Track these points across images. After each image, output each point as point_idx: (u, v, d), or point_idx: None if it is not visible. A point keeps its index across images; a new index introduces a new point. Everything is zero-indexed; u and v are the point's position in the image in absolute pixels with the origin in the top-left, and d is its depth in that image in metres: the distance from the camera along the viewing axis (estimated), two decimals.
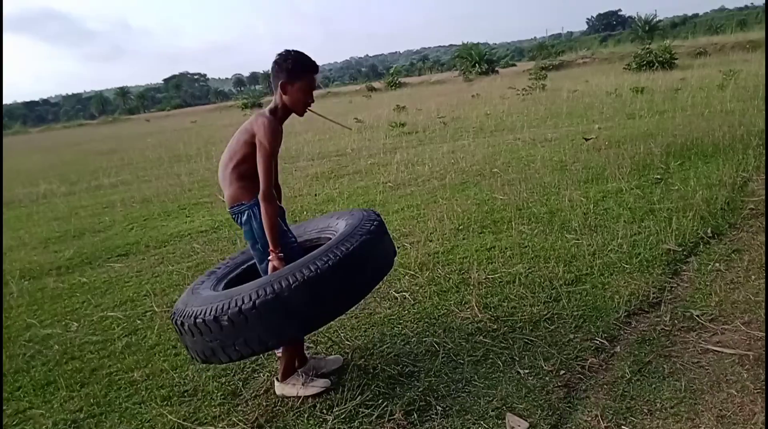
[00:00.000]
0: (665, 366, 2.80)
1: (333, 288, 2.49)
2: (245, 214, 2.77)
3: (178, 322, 2.58)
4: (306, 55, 2.75)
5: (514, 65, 58.73)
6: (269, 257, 2.68)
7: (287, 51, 2.74)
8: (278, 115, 2.76)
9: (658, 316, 3.31)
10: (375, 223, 2.77)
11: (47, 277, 5.41)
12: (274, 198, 2.67)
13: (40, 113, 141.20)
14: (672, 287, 3.66)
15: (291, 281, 2.40)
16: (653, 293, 3.56)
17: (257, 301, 2.38)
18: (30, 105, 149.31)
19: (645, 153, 7.54)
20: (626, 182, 6.19)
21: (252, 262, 3.03)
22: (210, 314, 2.43)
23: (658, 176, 6.32)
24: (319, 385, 2.90)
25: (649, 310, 3.40)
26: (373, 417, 2.59)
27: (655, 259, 4.06)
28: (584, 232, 4.76)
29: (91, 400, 3.05)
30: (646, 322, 3.27)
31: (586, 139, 9.03)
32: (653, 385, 2.66)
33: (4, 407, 3.10)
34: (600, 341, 3.09)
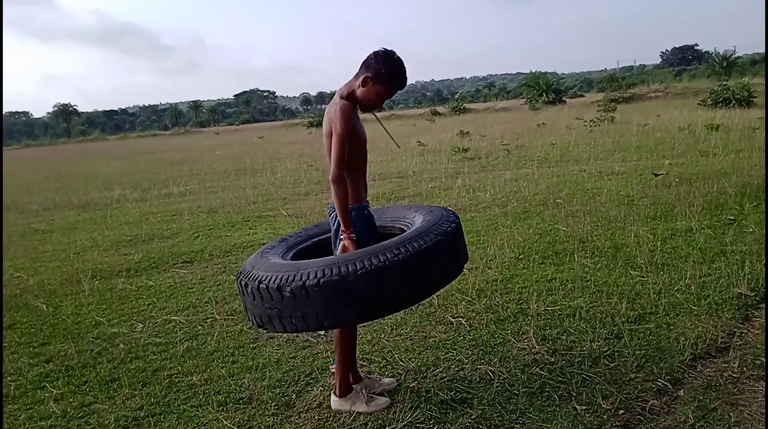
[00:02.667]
0: (732, 414, 2.68)
1: (398, 282, 2.47)
2: (334, 212, 2.81)
3: (243, 283, 2.64)
4: (403, 68, 2.79)
5: (582, 96, 57.86)
6: (341, 237, 2.71)
7: (391, 53, 2.78)
8: (351, 100, 2.79)
9: (726, 361, 3.17)
10: (453, 225, 2.73)
11: (117, 278, 5.66)
12: (344, 181, 2.69)
13: (117, 122, 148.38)
14: (742, 333, 3.50)
15: (358, 267, 2.40)
16: (722, 338, 3.42)
17: (322, 280, 2.40)
18: (109, 114, 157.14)
19: (718, 192, 7.27)
20: (697, 221, 5.97)
21: (324, 236, 3.09)
22: (274, 282, 2.47)
23: (732, 217, 6.07)
24: (381, 403, 2.91)
25: (716, 355, 3.26)
26: None
27: (725, 302, 3.89)
28: (650, 270, 4.62)
29: (152, 400, 3.16)
30: (712, 367, 3.13)
31: (656, 175, 8.79)
32: None
33: (71, 400, 3.24)
34: (663, 383, 2.98)
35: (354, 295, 2.42)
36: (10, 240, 8.16)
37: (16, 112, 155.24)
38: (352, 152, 2.76)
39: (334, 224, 2.85)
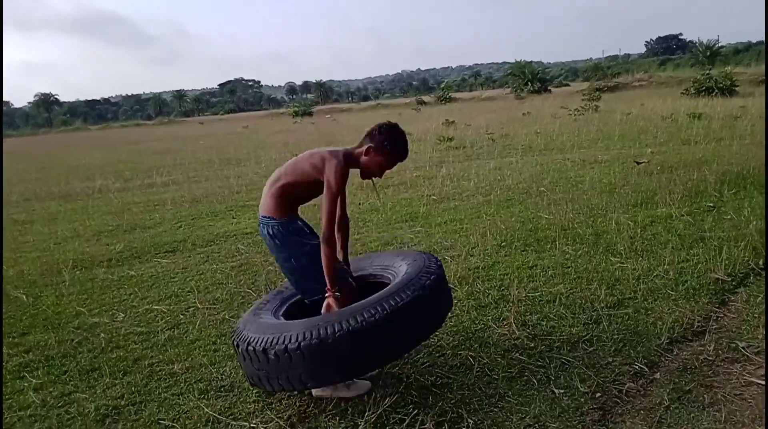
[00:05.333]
0: (706, 396, 2.72)
1: (377, 341, 2.57)
2: (271, 228, 2.92)
3: (235, 343, 2.77)
4: (405, 140, 2.95)
5: (567, 85, 58.10)
6: (326, 295, 2.79)
7: (395, 126, 2.93)
8: (349, 162, 2.88)
9: (701, 345, 3.22)
10: (432, 276, 2.80)
11: (98, 268, 5.62)
12: (335, 242, 2.80)
13: (100, 112, 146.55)
14: (718, 317, 3.56)
15: (336, 329, 2.51)
16: (698, 322, 3.47)
17: (302, 343, 2.51)
18: (91, 103, 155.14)
19: (698, 180, 7.34)
20: (677, 208, 6.04)
21: None
22: (260, 345, 2.60)
23: (711, 204, 6.14)
24: (362, 386, 2.93)
25: (692, 339, 3.31)
26: (404, 425, 2.60)
27: (702, 287, 3.95)
28: (630, 256, 4.67)
29: (132, 389, 3.15)
30: (688, 351, 3.18)
31: (638, 163, 8.86)
32: (692, 414, 2.59)
33: (51, 389, 3.23)
34: (639, 366, 3.02)
35: (334, 357, 2.52)
36: None
37: None
38: (327, 204, 2.80)
39: (262, 230, 3.00)
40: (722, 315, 3.59)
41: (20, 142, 46.97)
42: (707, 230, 5.18)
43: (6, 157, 27.27)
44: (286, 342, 2.53)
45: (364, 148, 2.90)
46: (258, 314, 2.96)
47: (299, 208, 3.08)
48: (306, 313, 2.98)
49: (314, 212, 5.64)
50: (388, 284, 2.95)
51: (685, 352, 3.17)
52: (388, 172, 3.12)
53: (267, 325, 2.75)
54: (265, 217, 2.93)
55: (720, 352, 3.14)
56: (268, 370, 2.60)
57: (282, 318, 2.96)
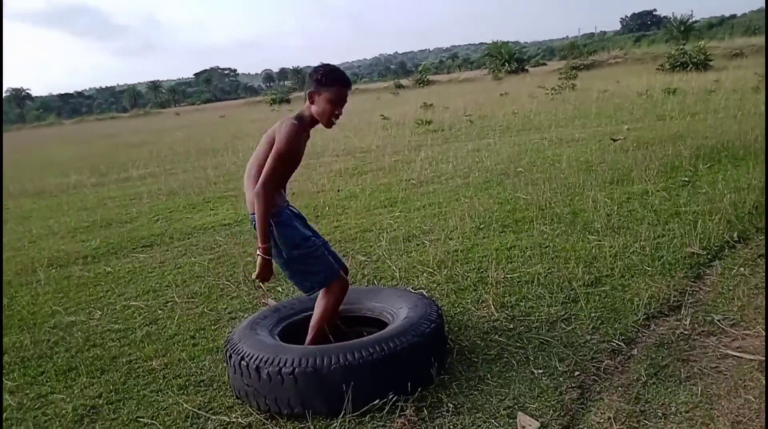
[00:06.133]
0: (682, 370, 2.75)
1: (370, 380, 2.60)
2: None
3: (228, 354, 2.80)
4: (339, 70, 2.83)
5: (545, 64, 58.09)
6: (258, 252, 2.78)
7: (322, 64, 2.83)
8: (303, 123, 2.81)
9: (678, 319, 3.26)
10: (432, 325, 2.83)
11: (74, 265, 5.53)
12: (268, 196, 2.72)
13: (74, 106, 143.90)
14: (694, 291, 3.60)
15: (333, 361, 2.55)
16: (674, 297, 3.51)
17: (296, 369, 2.55)
18: (65, 97, 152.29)
19: (674, 155, 7.42)
20: (653, 184, 6.09)
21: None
22: (254, 362, 2.63)
23: (686, 179, 6.20)
24: None
25: (669, 314, 3.35)
26: (384, 411, 2.60)
27: (677, 262, 3.99)
28: (606, 234, 4.71)
29: (111, 387, 3.11)
30: (665, 326, 3.21)
31: (614, 140, 8.91)
32: (669, 389, 2.62)
33: (28, 391, 3.18)
34: (617, 343, 3.05)
35: (325, 388, 2.56)
36: None
37: None
38: (285, 170, 2.82)
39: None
40: (698, 289, 3.64)
41: None
42: (682, 205, 5.24)
43: None
44: (280, 364, 2.58)
45: (307, 97, 2.80)
46: (255, 329, 2.97)
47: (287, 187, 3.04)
48: (300, 336, 3.03)
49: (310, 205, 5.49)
50: (384, 324, 3.05)
51: (661, 328, 3.21)
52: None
53: (263, 344, 2.78)
54: (252, 214, 2.86)
55: (696, 325, 3.18)
56: (257, 388, 2.64)
57: (278, 338, 2.97)
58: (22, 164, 17.79)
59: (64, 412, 2.91)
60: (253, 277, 2.84)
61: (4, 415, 2.95)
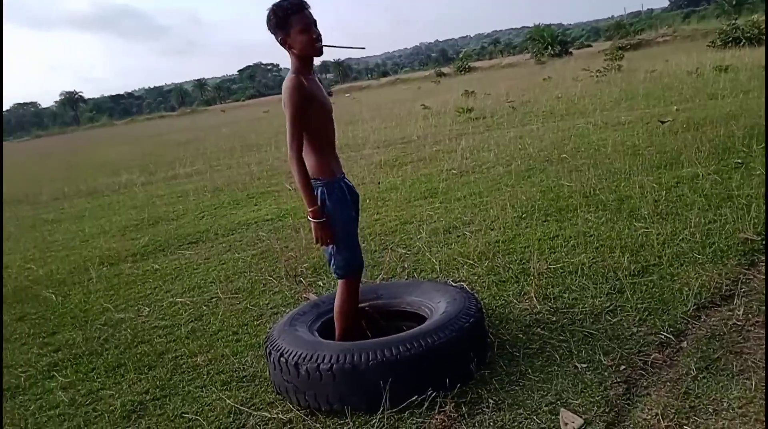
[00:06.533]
0: (735, 363, 2.64)
1: (408, 376, 2.57)
2: (316, 191, 2.77)
3: (267, 350, 2.83)
4: (284, 1, 2.65)
5: (589, 46, 56.65)
6: (309, 217, 2.73)
7: (269, 8, 2.68)
8: (298, 72, 2.70)
9: (730, 309, 3.12)
10: (471, 320, 2.79)
11: (124, 263, 5.70)
12: (299, 160, 2.68)
13: (125, 106, 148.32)
14: (747, 279, 3.43)
15: (370, 357, 2.54)
16: (726, 285, 3.35)
17: (335, 365, 2.55)
18: (116, 98, 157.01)
19: (725, 136, 7.10)
20: (703, 167, 5.85)
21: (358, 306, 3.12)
22: (293, 358, 2.64)
23: (739, 160, 5.93)
24: None
25: (720, 304, 3.21)
26: (423, 408, 2.57)
27: (730, 248, 3.82)
28: (654, 220, 4.54)
29: (157, 383, 3.19)
30: (716, 317, 3.08)
31: (662, 122, 8.60)
32: (721, 384, 2.51)
33: (79, 388, 3.29)
34: (665, 336, 2.94)
35: (364, 385, 2.56)
36: (20, 232, 8.25)
37: (24, 104, 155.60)
38: (315, 125, 2.72)
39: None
40: (751, 277, 3.47)
41: (49, 142, 47.92)
42: (735, 188, 5.01)
43: (36, 158, 27.89)
44: (318, 360, 2.59)
45: (285, 47, 2.70)
46: (294, 326, 2.99)
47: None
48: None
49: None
50: (423, 318, 3.02)
51: (713, 318, 3.07)
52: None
53: (302, 340, 2.79)
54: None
55: (750, 316, 3.03)
56: (296, 384, 2.66)
57: (316, 334, 2.99)
58: (77, 165, 18.46)
59: (112, 408, 2.99)
60: (314, 243, 2.81)
61: (57, 410, 3.06)
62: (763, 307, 3.09)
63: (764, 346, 2.72)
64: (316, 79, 2.84)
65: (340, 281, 2.96)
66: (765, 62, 8.51)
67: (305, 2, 2.67)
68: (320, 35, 2.69)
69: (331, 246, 2.85)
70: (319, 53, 2.74)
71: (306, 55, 2.72)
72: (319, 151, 2.80)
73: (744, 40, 24.30)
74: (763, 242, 3.88)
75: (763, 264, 3.62)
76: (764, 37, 24.30)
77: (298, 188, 2.74)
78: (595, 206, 5.16)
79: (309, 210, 2.73)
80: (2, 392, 3.23)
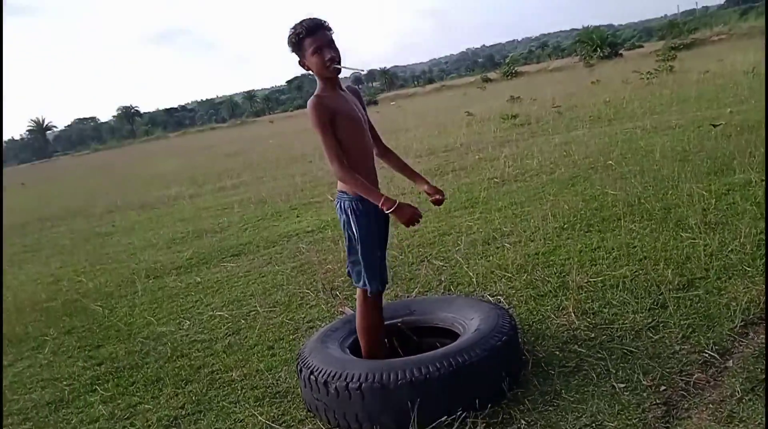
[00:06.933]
0: None
1: (438, 395, 2.54)
2: (340, 203, 2.83)
3: (298, 367, 2.84)
4: (300, 23, 2.67)
5: (641, 47, 55.22)
6: (385, 210, 2.68)
7: (291, 27, 2.70)
8: (321, 91, 2.74)
9: None
10: (504, 338, 2.73)
11: (168, 276, 5.84)
12: (348, 171, 2.68)
13: (179, 119, 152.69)
14: None
15: (399, 376, 2.52)
16: None
17: (363, 384, 2.54)
18: (170, 111, 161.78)
19: None
20: (756, 173, 5.58)
21: (389, 322, 3.14)
22: (322, 376, 2.64)
23: None
24: None
25: None
26: (453, 428, 2.53)
27: None
28: (702, 231, 4.35)
29: (193, 398, 3.24)
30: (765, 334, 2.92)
31: (714, 126, 8.27)
32: None
33: (119, 401, 3.37)
34: (709, 354, 2.80)
35: (392, 404, 2.53)
36: (74, 245, 8.58)
37: (84, 119, 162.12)
38: (343, 139, 2.72)
39: (341, 215, 2.84)
40: None
41: (106, 155, 49.79)
42: None
43: (93, 171, 29.00)
44: (347, 379, 2.57)
45: (303, 67, 2.74)
46: (325, 342, 2.99)
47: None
48: None
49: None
50: (457, 335, 2.97)
51: (761, 336, 2.91)
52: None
53: (332, 358, 2.79)
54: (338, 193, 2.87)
55: None
56: (326, 402, 2.65)
57: (348, 351, 2.98)
58: (130, 178, 19.11)
59: (149, 423, 3.06)
60: (407, 226, 2.79)
61: (97, 425, 3.14)
62: None
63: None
64: (345, 93, 2.85)
65: (358, 295, 2.95)
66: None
67: (320, 22, 2.68)
68: (335, 56, 2.69)
69: (352, 260, 2.88)
70: (333, 74, 2.75)
71: (322, 74, 2.74)
72: (350, 165, 2.80)
73: None
74: None
75: None
76: None
77: (360, 192, 2.71)
78: (640, 216, 5.00)
79: (382, 205, 2.68)
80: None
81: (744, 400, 2.44)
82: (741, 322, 3.03)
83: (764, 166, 5.59)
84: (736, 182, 5.47)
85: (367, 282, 2.86)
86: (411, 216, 2.70)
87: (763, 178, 5.40)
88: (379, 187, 2.92)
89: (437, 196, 3.09)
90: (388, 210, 2.68)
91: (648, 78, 18.64)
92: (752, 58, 18.05)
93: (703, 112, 10.40)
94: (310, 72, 2.75)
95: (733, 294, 3.32)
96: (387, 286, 3.02)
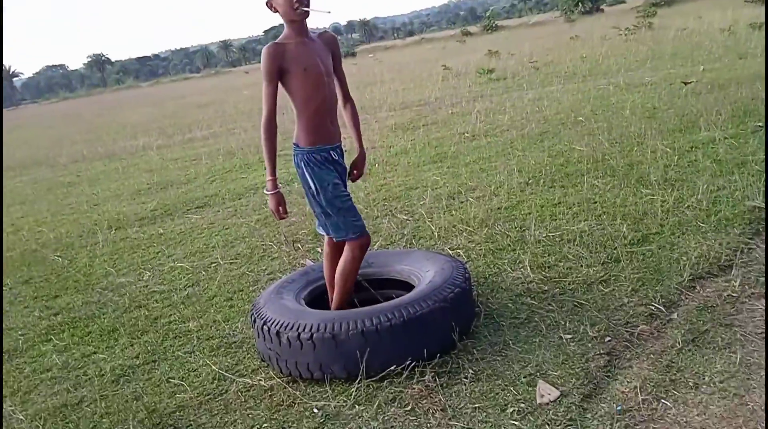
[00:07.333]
0: (723, 336, 2.56)
1: (389, 345, 2.56)
2: (294, 156, 2.82)
3: (252, 318, 2.85)
4: None
5: (623, 2, 54.71)
6: (266, 189, 2.75)
7: None
8: (281, 40, 2.70)
9: (727, 280, 3.02)
10: (456, 290, 2.74)
11: (131, 227, 5.76)
12: (269, 127, 2.70)
13: (151, 68, 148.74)
14: (749, 249, 3.32)
15: (350, 327, 2.54)
16: (726, 255, 3.25)
17: (314, 334, 2.56)
18: (142, 60, 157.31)
19: (749, 97, 6.83)
20: (721, 131, 5.64)
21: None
22: (275, 327, 2.66)
23: (759, 124, 5.69)
24: None
25: (718, 274, 3.11)
26: (402, 378, 2.56)
27: (736, 217, 3.69)
28: (662, 187, 4.40)
29: (148, 348, 3.24)
30: (712, 288, 2.99)
31: (686, 83, 8.30)
32: (705, 357, 2.44)
33: (74, 351, 3.35)
34: (656, 307, 2.86)
35: (342, 354, 2.55)
36: (36, 195, 8.40)
37: (53, 65, 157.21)
38: (299, 91, 2.68)
39: (297, 169, 2.82)
40: (754, 246, 3.35)
41: (75, 104, 48.47)
42: (750, 154, 4.82)
43: (61, 120, 28.28)
44: (299, 330, 2.59)
45: (271, 10, 2.70)
46: (281, 293, 2.99)
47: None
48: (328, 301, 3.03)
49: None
50: (413, 287, 2.98)
51: (708, 289, 2.98)
52: None
53: (285, 309, 2.80)
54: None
55: (746, 287, 2.93)
56: (278, 352, 2.67)
57: (303, 302, 2.98)
58: (98, 128, 18.66)
59: (103, 372, 3.05)
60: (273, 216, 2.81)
61: (50, 373, 3.13)
62: (762, 278, 2.99)
63: (763, 319, 2.64)
64: (310, 41, 2.73)
65: (328, 245, 2.94)
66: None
67: None
68: (299, 0, 2.60)
69: (319, 212, 2.82)
70: (301, 17, 2.66)
71: (290, 20, 2.66)
72: (304, 117, 2.76)
73: None
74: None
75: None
76: None
77: (264, 153, 2.73)
78: (603, 172, 5.02)
79: (268, 182, 2.73)
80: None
81: (684, 351, 2.51)
82: (689, 276, 3.09)
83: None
84: (700, 140, 5.51)
85: (347, 230, 2.79)
86: (275, 210, 2.77)
87: (727, 136, 5.46)
88: (341, 139, 2.88)
89: (356, 173, 3.04)
90: (266, 190, 2.77)
91: (626, 34, 18.55)
92: (730, 16, 18.03)
93: (677, 69, 10.42)
94: (279, 13, 2.67)
95: (684, 249, 3.38)
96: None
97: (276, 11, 2.68)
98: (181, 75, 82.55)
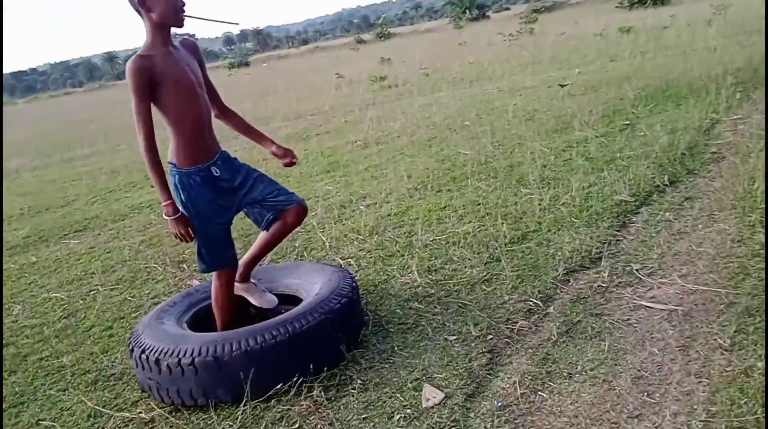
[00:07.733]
0: (594, 325, 2.71)
1: (276, 364, 2.49)
2: (173, 178, 2.62)
3: (130, 346, 2.68)
4: None
5: (508, 9, 57.41)
6: (164, 207, 2.55)
7: None
8: (145, 51, 2.46)
9: (597, 272, 3.21)
10: (343, 300, 2.71)
11: None
12: (151, 151, 2.47)
13: (29, 83, 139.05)
14: (617, 240, 3.55)
15: (233, 348, 2.45)
16: (596, 248, 3.45)
17: (196, 359, 2.45)
18: (18, 75, 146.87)
19: (618, 98, 7.33)
20: (593, 130, 6.01)
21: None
22: (154, 354, 2.51)
23: (626, 122, 6.13)
24: (269, 301, 2.94)
25: (589, 267, 3.29)
26: (290, 395, 2.51)
27: (605, 211, 3.93)
28: (540, 186, 4.62)
29: (17, 389, 2.98)
30: (584, 280, 3.16)
31: (562, 86, 8.78)
32: (578, 347, 2.57)
33: None
34: (534, 302, 2.99)
35: (227, 376, 2.46)
36: None
37: None
38: (170, 107, 2.51)
39: (173, 190, 2.63)
40: (621, 238, 3.58)
41: None
42: (618, 151, 5.16)
43: None
44: (180, 355, 2.47)
45: (142, 12, 2.44)
46: (161, 318, 2.85)
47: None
48: (213, 322, 2.90)
49: None
50: (301, 300, 2.92)
51: (580, 282, 3.15)
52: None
53: (165, 334, 2.67)
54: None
55: (614, 277, 3.13)
56: (159, 381, 2.54)
57: (185, 325, 2.85)
58: None
59: None
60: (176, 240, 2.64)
61: None
62: (629, 268, 3.19)
63: (629, 307, 2.81)
64: (176, 51, 2.57)
65: (214, 274, 2.83)
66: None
67: None
68: (185, 3, 2.48)
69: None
70: (181, 24, 2.52)
71: (165, 23, 2.47)
72: (180, 134, 2.58)
73: (649, 1, 25.18)
74: (636, 203, 4.01)
75: (634, 224, 3.74)
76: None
77: (151, 179, 2.56)
78: (487, 174, 5.21)
79: (162, 205, 2.56)
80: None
81: (559, 343, 2.63)
82: (564, 270, 3.25)
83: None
84: (575, 139, 5.84)
85: (213, 264, 2.73)
86: (179, 234, 2.58)
87: (598, 134, 5.82)
88: (219, 151, 2.76)
89: (288, 159, 2.99)
90: (166, 215, 2.56)
91: (510, 40, 19.45)
92: (603, 21, 19.35)
93: (556, 72, 11.02)
94: (151, 17, 2.43)
95: (559, 244, 3.56)
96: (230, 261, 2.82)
97: (148, 11, 2.43)
98: (62, 90, 77.67)
